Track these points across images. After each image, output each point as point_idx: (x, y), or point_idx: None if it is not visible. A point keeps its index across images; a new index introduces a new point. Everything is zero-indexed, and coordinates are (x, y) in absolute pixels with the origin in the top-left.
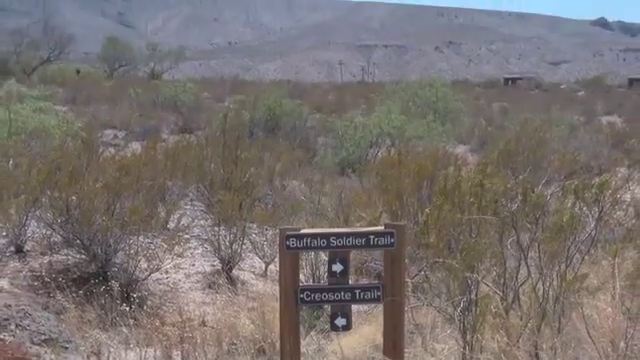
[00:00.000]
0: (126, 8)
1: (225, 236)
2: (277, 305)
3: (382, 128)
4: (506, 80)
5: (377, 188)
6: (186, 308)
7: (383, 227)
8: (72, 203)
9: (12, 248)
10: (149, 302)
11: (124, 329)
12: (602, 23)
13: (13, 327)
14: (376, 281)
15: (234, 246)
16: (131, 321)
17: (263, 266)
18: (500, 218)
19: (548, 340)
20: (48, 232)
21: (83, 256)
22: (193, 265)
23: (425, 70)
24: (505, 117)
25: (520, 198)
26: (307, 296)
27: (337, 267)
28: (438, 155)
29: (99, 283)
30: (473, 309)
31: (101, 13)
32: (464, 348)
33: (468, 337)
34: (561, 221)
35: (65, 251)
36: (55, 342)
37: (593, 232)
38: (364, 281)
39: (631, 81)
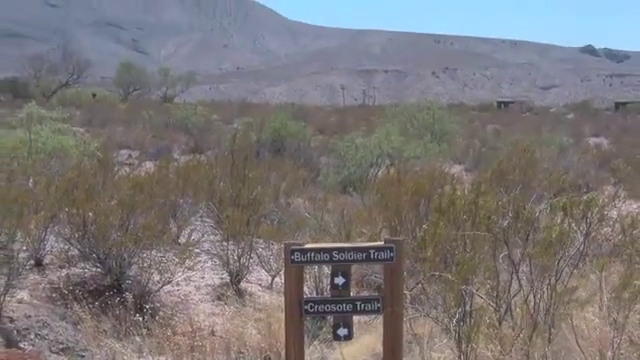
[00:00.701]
0: (140, 35)
1: (233, 250)
2: (282, 316)
3: (382, 149)
4: (499, 104)
5: (377, 205)
6: (196, 319)
7: (383, 242)
8: (89, 219)
9: (32, 261)
10: (161, 313)
11: (137, 338)
12: (589, 50)
13: (33, 336)
14: (376, 293)
15: (242, 260)
16: (144, 331)
17: (269, 279)
18: (493, 234)
19: (539, 349)
20: (66, 246)
21: (99, 269)
22: (203, 278)
23: (423, 94)
24: (498, 138)
25: (512, 215)
26: (311, 307)
27: (339, 280)
28: (435, 174)
29: (114, 295)
30: (468, 320)
31: (116, 40)
32: (459, 357)
33: (463, 347)
34: (551, 237)
35: (82, 264)
36: (72, 351)
37: (581, 247)
38: (365, 293)
39: (617, 105)
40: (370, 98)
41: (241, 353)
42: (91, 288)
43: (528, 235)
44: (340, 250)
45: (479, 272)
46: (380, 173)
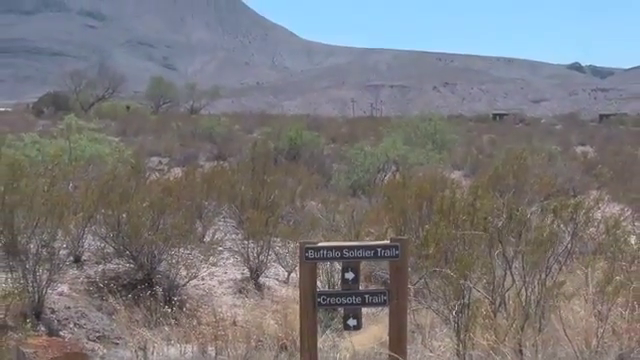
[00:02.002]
0: (169, 53)
1: (253, 248)
2: (297, 308)
3: (388, 156)
4: (494, 116)
5: (384, 207)
6: (219, 310)
7: (389, 241)
8: (122, 219)
9: (71, 258)
10: (188, 305)
11: (166, 328)
12: (576, 67)
13: (72, 326)
14: (383, 287)
15: (261, 257)
16: (172, 321)
17: (286, 274)
18: (489, 233)
19: (530, 338)
20: (102, 244)
21: (132, 265)
22: (225, 273)
23: (425, 107)
24: (494, 147)
25: (506, 216)
26: (323, 300)
27: (349, 275)
28: (436, 179)
29: (145, 288)
30: (466, 311)
31: (148, 58)
32: (458, 345)
33: (462, 336)
34: (541, 236)
35: (116, 261)
36: (107, 339)
37: (569, 245)
38: (372, 287)
39: (601, 116)
40: (377, 110)
41: (260, 341)
42: (124, 282)
43: (521, 234)
44: (350, 248)
45: (476, 268)
46: (386, 178)
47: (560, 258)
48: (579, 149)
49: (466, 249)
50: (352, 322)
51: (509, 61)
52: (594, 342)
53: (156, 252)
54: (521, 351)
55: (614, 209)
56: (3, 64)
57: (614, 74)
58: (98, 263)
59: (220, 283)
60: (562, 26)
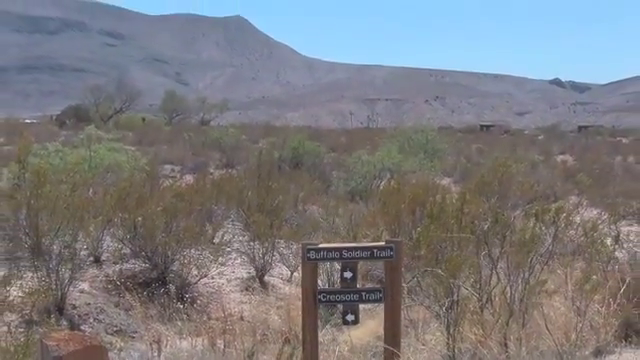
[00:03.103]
0: (182, 69)
1: (259, 249)
2: (300, 304)
3: (383, 164)
4: (481, 127)
5: (379, 211)
6: (227, 306)
7: (384, 242)
8: (138, 223)
9: (91, 258)
10: (198, 301)
11: (179, 323)
12: (557, 82)
13: (92, 320)
14: (378, 285)
15: (266, 257)
16: (184, 316)
17: (289, 273)
18: (476, 236)
19: (515, 333)
20: (119, 246)
21: (147, 265)
22: (233, 272)
23: (418, 119)
24: (481, 156)
25: (491, 220)
26: (324, 297)
27: (347, 274)
28: (428, 186)
29: (159, 286)
30: (455, 308)
31: (162, 73)
32: (448, 339)
33: (451, 330)
34: (524, 238)
35: (132, 261)
36: (124, 333)
37: (550, 247)
38: (369, 285)
39: (580, 128)
40: (374, 122)
41: (265, 335)
42: (140, 280)
43: (505, 237)
44: (348, 249)
45: (464, 268)
46: (382, 184)
47: (542, 258)
48: (559, 158)
49: (455, 250)
50: (350, 317)
51: (495, 77)
52: (573, 336)
53: (169, 253)
54: (506, 344)
55: (592, 213)
56: (29, 80)
57: (592, 89)
58: (116, 263)
59: (228, 281)
60: (544, 45)
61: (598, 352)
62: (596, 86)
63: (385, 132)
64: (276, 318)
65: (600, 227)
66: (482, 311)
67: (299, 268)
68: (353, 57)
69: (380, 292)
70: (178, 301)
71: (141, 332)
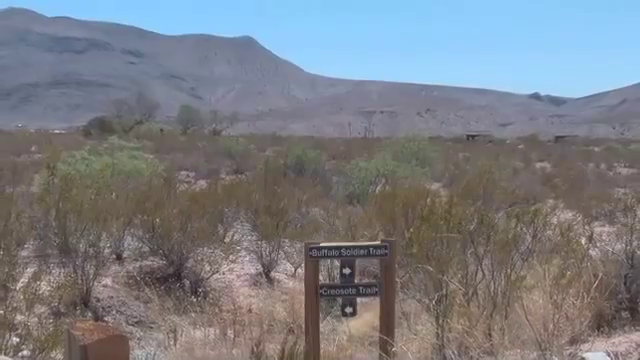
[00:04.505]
0: (196, 85)
1: (266, 248)
2: (303, 298)
3: (379, 170)
4: (468, 137)
5: (375, 213)
6: (237, 299)
7: (380, 242)
8: (156, 224)
9: (114, 256)
10: (211, 295)
11: (193, 314)
12: (536, 96)
13: (114, 312)
14: (374, 281)
15: (272, 255)
16: (198, 308)
17: (293, 269)
18: (463, 235)
19: (498, 323)
20: (139, 244)
21: (164, 262)
22: (242, 269)
23: (410, 129)
24: (467, 163)
25: (477, 221)
26: (325, 291)
27: (346, 270)
28: (419, 190)
29: (175, 281)
30: (444, 301)
31: (178, 88)
32: (437, 329)
33: (440, 321)
34: (506, 237)
35: (151, 258)
36: (143, 323)
37: (530, 245)
38: (366, 281)
39: (557, 138)
40: (370, 132)
41: (271, 325)
42: (158, 276)
43: (489, 236)
44: (347, 248)
45: (452, 264)
46: (378, 189)
47: (522, 256)
48: (538, 165)
49: (444, 249)
50: (349, 310)
51: (480, 91)
52: (551, 326)
53: (184, 251)
54: (490, 334)
55: (567, 215)
56: (59, 94)
57: (567, 103)
58: (136, 260)
59: (238, 277)
60: (524, 62)
61: (573, 341)
62: (571, 100)
63: (380, 141)
64: (281, 310)
65: (575, 227)
66: (468, 304)
67: (302, 265)
68: (351, 73)
69: (376, 287)
70: (192, 295)
71: (159, 323)
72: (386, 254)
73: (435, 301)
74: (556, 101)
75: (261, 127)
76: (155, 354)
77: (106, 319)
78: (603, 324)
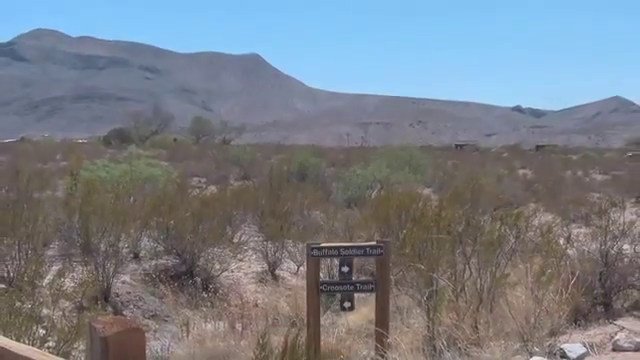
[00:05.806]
0: (207, 98)
1: (271, 248)
2: (305, 294)
3: (375, 176)
4: (456, 146)
5: (371, 216)
6: (244, 295)
7: (375, 242)
8: (170, 225)
9: (131, 255)
10: (220, 291)
11: (204, 309)
12: (518, 109)
13: (132, 307)
14: (370, 278)
15: (277, 254)
16: (208, 303)
17: (296, 268)
18: (452, 236)
19: (484, 317)
20: (154, 244)
21: (177, 260)
22: (249, 267)
23: (403, 139)
24: (456, 170)
25: (464, 223)
26: (325, 287)
27: (345, 268)
28: (411, 195)
29: (187, 279)
30: (434, 296)
31: (190, 101)
32: (428, 322)
33: (431, 315)
34: (492, 238)
35: (165, 257)
36: (159, 317)
37: (513, 245)
38: (363, 278)
39: (537, 147)
40: (366, 142)
41: (276, 319)
42: (172, 274)
43: (476, 237)
44: (345, 247)
45: (442, 263)
46: (373, 194)
47: (506, 255)
48: (521, 171)
49: (434, 249)
50: (347, 304)
51: (467, 104)
52: (532, 320)
53: (196, 251)
54: (477, 327)
55: (547, 217)
56: (82, 107)
57: (547, 115)
58: (152, 259)
59: (245, 275)
60: (506, 78)
61: (552, 333)
62: (551, 112)
63: (376, 150)
64: (285, 305)
65: (554, 229)
66: (457, 299)
67: (304, 263)
68: (349, 87)
69: (372, 283)
70: (203, 291)
71: (172, 316)
72: (381, 253)
73: (426, 297)
74: (536, 113)
75: (266, 137)
76: (169, 345)
77: (124, 313)
78: (580, 318)
